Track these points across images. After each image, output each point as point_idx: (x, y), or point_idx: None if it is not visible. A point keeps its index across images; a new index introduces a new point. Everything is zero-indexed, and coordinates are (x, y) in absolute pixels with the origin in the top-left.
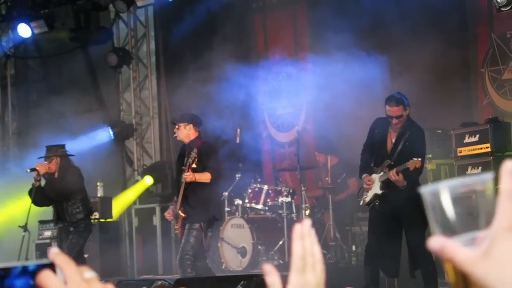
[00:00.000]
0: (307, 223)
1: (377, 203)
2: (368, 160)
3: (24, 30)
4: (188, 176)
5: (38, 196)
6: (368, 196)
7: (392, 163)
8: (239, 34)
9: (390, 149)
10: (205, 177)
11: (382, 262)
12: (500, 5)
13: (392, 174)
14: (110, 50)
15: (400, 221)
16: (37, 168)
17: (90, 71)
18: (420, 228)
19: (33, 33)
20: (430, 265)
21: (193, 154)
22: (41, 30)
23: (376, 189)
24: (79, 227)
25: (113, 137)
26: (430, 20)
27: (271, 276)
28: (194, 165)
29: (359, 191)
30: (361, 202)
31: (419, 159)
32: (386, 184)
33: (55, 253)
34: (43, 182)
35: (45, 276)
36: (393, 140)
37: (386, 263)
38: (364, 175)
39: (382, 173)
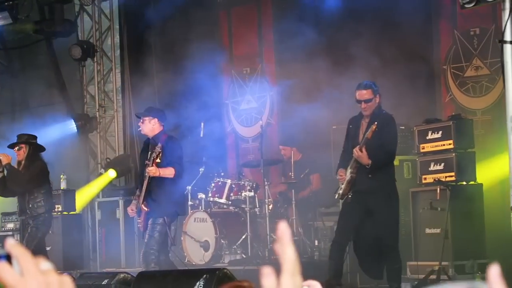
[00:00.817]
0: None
1: (350, 196)
2: (346, 157)
3: None
4: (151, 170)
5: (1, 187)
6: (341, 188)
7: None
8: (204, 28)
9: (361, 138)
10: (169, 172)
11: (365, 265)
12: (464, 1)
13: (356, 150)
14: (74, 42)
15: (371, 214)
16: None
17: (53, 63)
18: (391, 224)
19: None
20: (397, 263)
21: (158, 149)
22: (5, 22)
23: (348, 175)
24: (38, 220)
25: (76, 130)
26: (393, 14)
27: (268, 279)
28: (158, 160)
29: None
30: (336, 196)
31: (375, 123)
32: (356, 168)
33: (11, 245)
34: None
35: (0, 267)
36: (364, 130)
37: (369, 265)
38: (338, 170)
39: (351, 161)
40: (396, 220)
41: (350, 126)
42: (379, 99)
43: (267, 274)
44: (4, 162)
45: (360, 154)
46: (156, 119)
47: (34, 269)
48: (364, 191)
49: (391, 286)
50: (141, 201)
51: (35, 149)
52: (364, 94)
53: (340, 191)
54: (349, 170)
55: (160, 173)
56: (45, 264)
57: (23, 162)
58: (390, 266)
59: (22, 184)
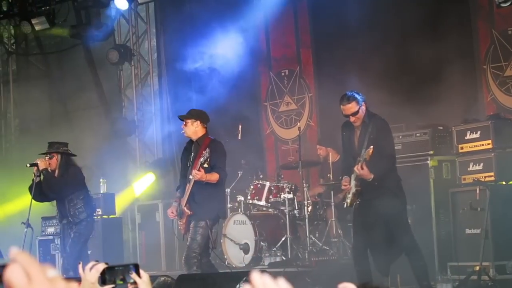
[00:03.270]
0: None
1: (358, 202)
2: (347, 164)
3: (25, 27)
4: (198, 174)
5: (37, 192)
6: (349, 197)
7: (361, 158)
8: (241, 29)
9: (357, 147)
10: (213, 177)
11: (374, 260)
12: (500, 1)
13: (357, 169)
14: (111, 47)
15: (383, 218)
16: (37, 162)
17: (91, 67)
18: (403, 223)
19: (34, 29)
20: (421, 260)
21: (206, 154)
22: (42, 27)
23: (352, 188)
24: (81, 225)
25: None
26: (432, 15)
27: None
28: (206, 165)
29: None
30: (345, 205)
31: (371, 146)
32: (360, 180)
33: (17, 253)
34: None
35: (11, 272)
36: (358, 138)
37: (377, 261)
38: (342, 178)
39: (355, 172)
40: (406, 217)
41: (344, 134)
42: (365, 106)
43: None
44: (42, 167)
45: (362, 172)
46: (198, 121)
47: (41, 276)
48: (372, 198)
49: (421, 285)
50: (184, 203)
51: (67, 155)
52: (350, 108)
53: (348, 200)
54: (353, 182)
55: (206, 178)
56: (52, 272)
57: (56, 170)
58: (414, 264)
59: (57, 189)
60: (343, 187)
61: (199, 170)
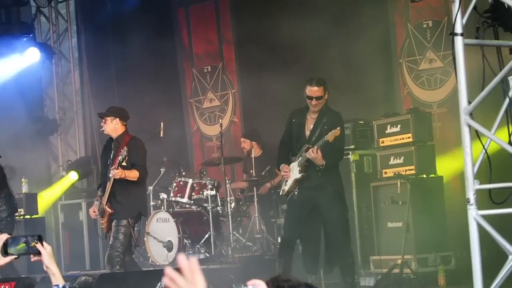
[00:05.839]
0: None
1: (296, 192)
2: (286, 153)
3: None
4: (117, 173)
5: None
6: (287, 185)
7: (310, 146)
8: (162, 27)
9: (308, 135)
10: (133, 174)
11: (303, 259)
12: None
13: (312, 151)
14: (31, 45)
15: (319, 212)
16: None
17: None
18: (340, 220)
19: None
20: (349, 257)
21: (124, 152)
22: None
23: (295, 174)
24: (1, 224)
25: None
26: (351, 10)
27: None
28: (124, 163)
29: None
30: (281, 192)
31: (338, 128)
32: (305, 167)
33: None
34: None
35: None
36: (311, 126)
37: (306, 260)
38: (282, 165)
39: (300, 158)
40: (345, 215)
41: (294, 120)
42: (327, 96)
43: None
44: None
45: (316, 155)
46: (118, 119)
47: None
48: (313, 187)
49: (345, 282)
50: (104, 202)
51: None
52: (316, 91)
53: (286, 188)
54: (297, 168)
55: (125, 176)
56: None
57: None
58: (342, 261)
59: None
60: (283, 174)
61: (117, 169)
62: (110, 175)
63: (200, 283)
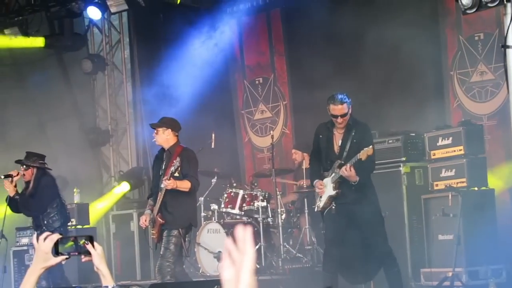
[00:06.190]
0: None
1: (333, 207)
2: (318, 167)
3: None
4: (170, 183)
5: (13, 206)
6: (322, 201)
7: (343, 162)
8: (215, 38)
9: (338, 150)
10: (185, 185)
11: (345, 270)
12: (465, 7)
13: (345, 169)
14: (84, 56)
15: (358, 224)
16: (11, 174)
17: (64, 77)
18: (380, 229)
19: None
20: (395, 266)
21: (176, 163)
22: (15, 37)
23: (329, 191)
24: None
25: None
26: (401, 22)
27: (228, 271)
28: (177, 174)
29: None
30: (316, 209)
31: (370, 146)
32: (339, 184)
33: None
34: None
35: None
36: (340, 142)
37: (349, 271)
38: (315, 181)
39: (333, 174)
40: (383, 224)
41: (321, 136)
42: (351, 110)
43: (227, 267)
44: (16, 179)
45: (350, 173)
46: (169, 130)
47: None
48: (349, 203)
49: None
50: (155, 213)
51: (44, 169)
52: (340, 109)
53: (321, 204)
54: (331, 185)
55: (177, 186)
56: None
57: (31, 182)
58: (388, 271)
59: (33, 209)
60: (318, 190)
61: (169, 179)
62: (162, 186)
63: (249, 253)
